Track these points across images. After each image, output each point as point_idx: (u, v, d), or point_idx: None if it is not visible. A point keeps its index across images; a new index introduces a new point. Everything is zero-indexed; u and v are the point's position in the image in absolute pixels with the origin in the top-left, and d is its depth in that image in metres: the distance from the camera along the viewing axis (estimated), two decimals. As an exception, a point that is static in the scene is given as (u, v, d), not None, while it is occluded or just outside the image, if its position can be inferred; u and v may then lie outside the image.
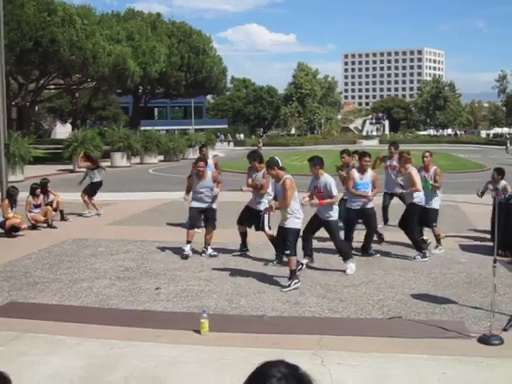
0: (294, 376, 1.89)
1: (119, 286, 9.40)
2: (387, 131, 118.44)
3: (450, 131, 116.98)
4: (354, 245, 11.47)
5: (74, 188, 19.26)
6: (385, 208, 14.12)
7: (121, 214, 17.16)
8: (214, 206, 11.81)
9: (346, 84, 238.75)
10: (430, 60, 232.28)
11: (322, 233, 10.54)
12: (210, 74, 60.62)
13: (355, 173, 11.31)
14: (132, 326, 7.45)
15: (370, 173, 11.32)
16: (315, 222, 10.38)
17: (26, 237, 13.63)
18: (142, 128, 54.11)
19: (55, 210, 15.49)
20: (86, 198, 16.82)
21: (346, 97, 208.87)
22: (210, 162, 13.90)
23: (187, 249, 11.35)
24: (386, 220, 14.16)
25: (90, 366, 6.20)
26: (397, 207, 13.39)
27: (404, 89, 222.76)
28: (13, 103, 43.41)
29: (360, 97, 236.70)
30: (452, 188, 23.47)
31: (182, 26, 60.30)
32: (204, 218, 11.91)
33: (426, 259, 10.87)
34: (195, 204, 11.53)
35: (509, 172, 14.05)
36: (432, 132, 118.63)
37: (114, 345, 6.79)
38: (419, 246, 11.11)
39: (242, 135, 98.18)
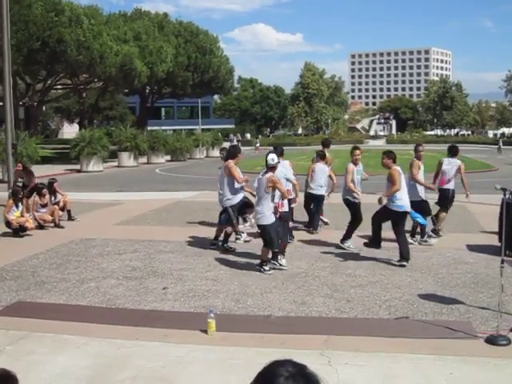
0: (301, 375, 1.89)
1: (126, 285, 9.42)
2: (394, 131, 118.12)
3: (457, 130, 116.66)
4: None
5: (81, 188, 19.30)
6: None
7: (128, 213, 17.18)
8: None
9: (353, 84, 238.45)
10: (438, 60, 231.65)
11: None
12: (216, 73, 60.64)
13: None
14: (139, 325, 7.46)
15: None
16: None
17: (33, 236, 13.66)
18: (149, 128, 54.25)
19: (62, 209, 15.53)
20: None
21: (352, 97, 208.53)
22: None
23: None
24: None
25: (97, 366, 6.22)
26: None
27: (411, 89, 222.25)
28: (20, 103, 43.55)
29: (367, 97, 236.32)
30: (459, 188, 23.43)
31: (189, 26, 60.31)
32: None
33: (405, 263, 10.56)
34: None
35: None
36: (439, 132, 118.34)
37: (120, 344, 6.80)
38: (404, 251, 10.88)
39: (248, 135, 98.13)
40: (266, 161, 10.15)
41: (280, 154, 11.76)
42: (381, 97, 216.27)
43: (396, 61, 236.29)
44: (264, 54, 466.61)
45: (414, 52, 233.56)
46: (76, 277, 9.95)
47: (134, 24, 50.53)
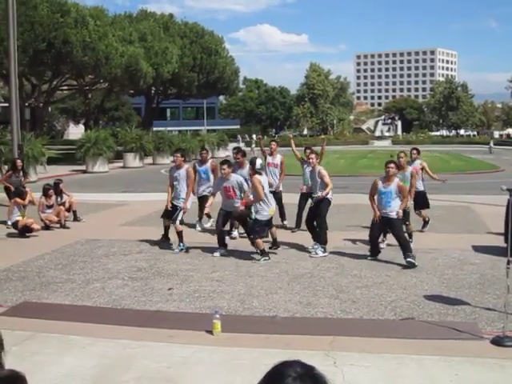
0: (309, 376, 1.89)
1: (132, 286, 9.43)
2: (399, 132, 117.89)
3: (462, 132, 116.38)
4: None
5: (87, 188, 19.33)
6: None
7: (133, 214, 17.20)
8: None
9: (359, 84, 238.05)
10: (443, 60, 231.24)
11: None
12: (222, 74, 60.63)
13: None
14: (144, 326, 7.47)
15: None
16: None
17: (39, 237, 13.70)
18: (155, 129, 54.27)
19: (68, 210, 15.56)
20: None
21: (358, 97, 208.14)
22: (208, 166, 14.25)
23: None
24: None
25: (103, 366, 6.23)
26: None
27: (417, 89, 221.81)
28: (26, 104, 43.63)
29: (372, 97, 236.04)
30: (465, 189, 23.41)
31: (195, 27, 60.31)
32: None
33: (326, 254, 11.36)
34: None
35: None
36: (445, 133, 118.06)
37: (126, 345, 6.81)
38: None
39: (254, 136, 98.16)
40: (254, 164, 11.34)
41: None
42: (386, 97, 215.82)
43: (401, 61, 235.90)
44: (269, 55, 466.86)
45: (420, 52, 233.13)
46: (81, 277, 9.97)
47: (140, 25, 50.57)
